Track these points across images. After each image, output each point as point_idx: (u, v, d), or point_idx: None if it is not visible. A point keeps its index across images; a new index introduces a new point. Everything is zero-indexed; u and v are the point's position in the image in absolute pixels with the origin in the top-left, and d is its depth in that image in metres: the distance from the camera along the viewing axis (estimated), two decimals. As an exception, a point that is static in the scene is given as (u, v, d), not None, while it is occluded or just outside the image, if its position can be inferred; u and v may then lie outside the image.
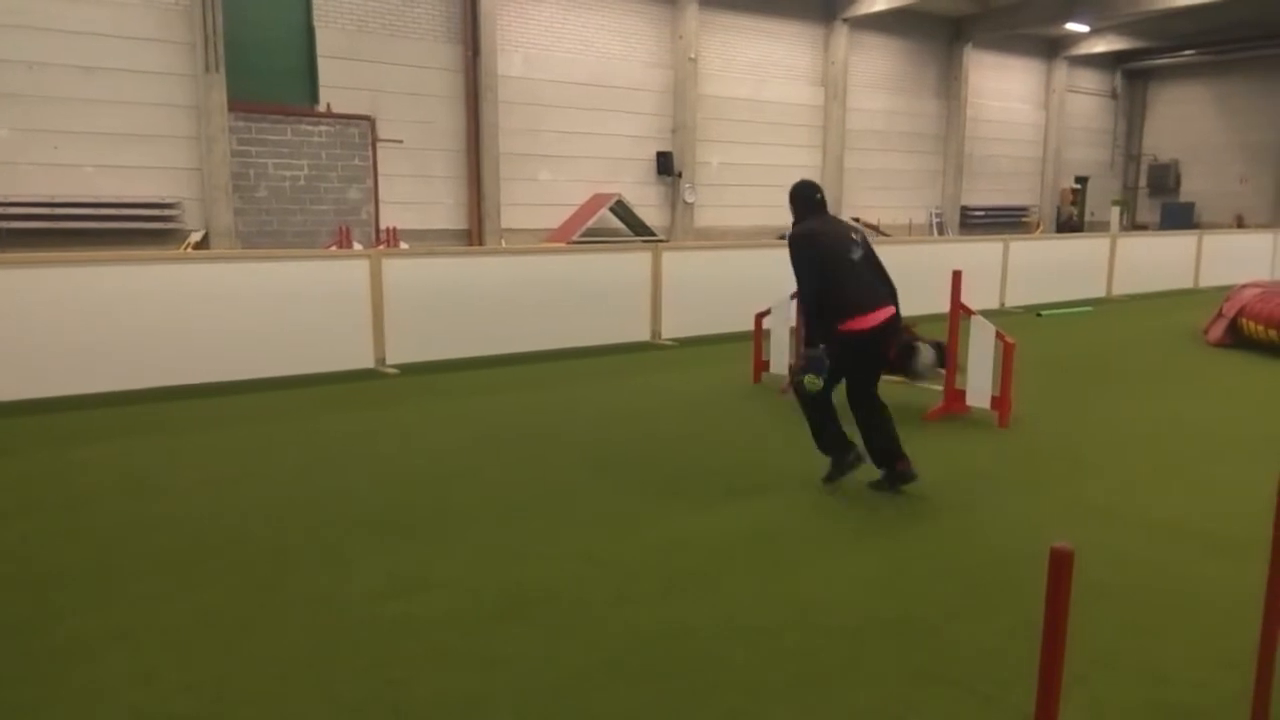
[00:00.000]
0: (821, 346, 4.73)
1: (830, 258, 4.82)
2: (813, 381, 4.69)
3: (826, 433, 5.01)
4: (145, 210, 14.81)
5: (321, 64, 16.27)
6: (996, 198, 28.14)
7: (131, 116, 14.69)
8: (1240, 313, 9.96)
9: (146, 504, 4.80)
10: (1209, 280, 15.82)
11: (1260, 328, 9.63)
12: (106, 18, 14.39)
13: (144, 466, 5.48)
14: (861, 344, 4.78)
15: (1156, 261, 15.44)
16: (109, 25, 14.41)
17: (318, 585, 3.83)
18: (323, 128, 16.21)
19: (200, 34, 14.72)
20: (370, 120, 16.80)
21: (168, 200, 15.02)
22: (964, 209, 26.90)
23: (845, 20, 22.98)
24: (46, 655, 3.25)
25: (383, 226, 16.59)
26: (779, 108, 22.71)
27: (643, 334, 9.98)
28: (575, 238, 17.40)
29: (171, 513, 4.67)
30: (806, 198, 5.06)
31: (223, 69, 14.90)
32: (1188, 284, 15.84)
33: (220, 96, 14.94)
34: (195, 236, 15.07)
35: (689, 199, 21.12)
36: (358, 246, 14.62)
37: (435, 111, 17.85)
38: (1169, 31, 26.53)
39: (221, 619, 3.52)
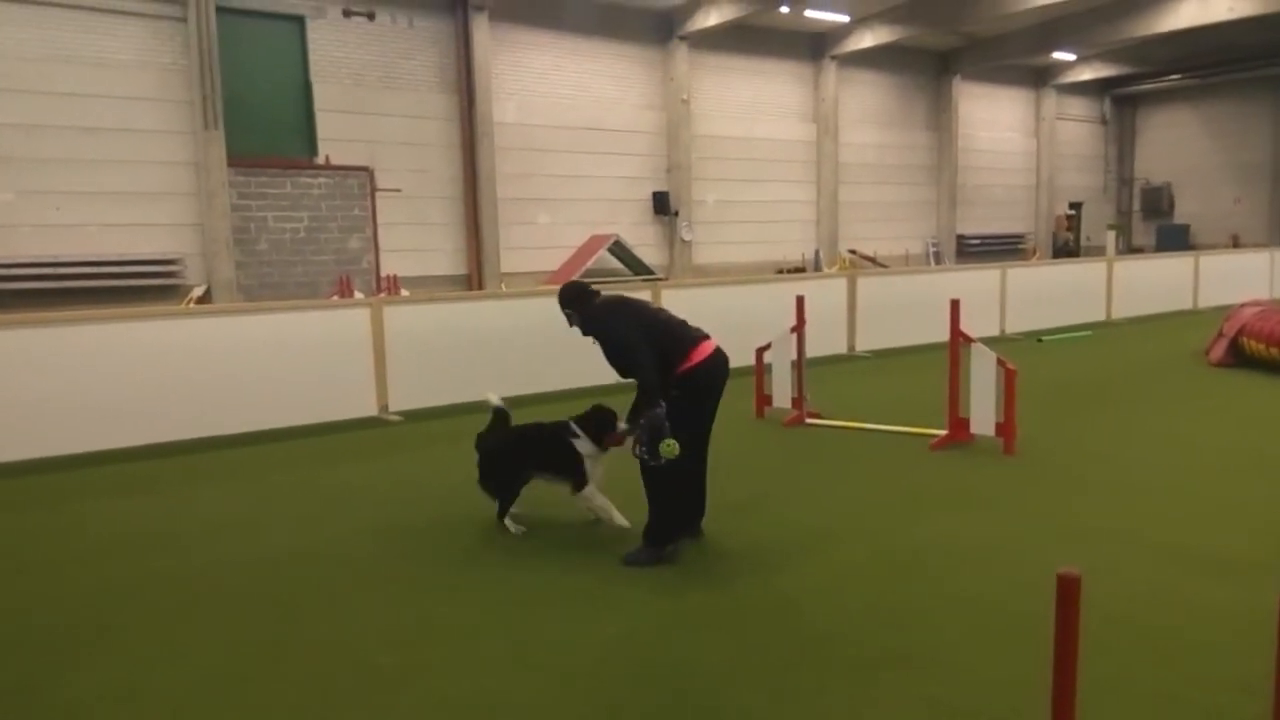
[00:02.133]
0: (661, 407, 4.33)
1: (644, 311, 4.79)
2: (669, 447, 4.26)
3: (678, 512, 4.60)
4: (148, 267, 14.94)
5: (320, 117, 16.50)
6: (992, 226, 28.30)
7: (133, 175, 14.87)
8: (1241, 332, 9.97)
9: (148, 560, 4.77)
10: (1207, 300, 15.85)
11: (1261, 346, 9.63)
12: (106, 79, 14.62)
13: (146, 522, 5.47)
14: (710, 371, 4.55)
15: (1154, 284, 15.50)
16: (108, 87, 14.63)
17: (319, 637, 3.80)
18: (322, 179, 16.39)
19: (199, 92, 14.94)
20: (369, 171, 16.99)
21: (170, 256, 15.15)
22: (960, 238, 27.05)
23: (834, 58, 23.30)
24: (45, 718, 3.22)
25: (383, 274, 16.70)
26: (772, 145, 22.95)
27: (644, 373, 9.99)
28: (575, 279, 17.47)
29: (172, 568, 4.65)
30: (583, 290, 4.86)
31: (222, 125, 15.10)
32: (1186, 305, 15.88)
33: (220, 152, 15.14)
34: (198, 291, 15.17)
35: (686, 237, 21.27)
36: (359, 295, 14.70)
37: (432, 160, 18.05)
38: (1153, 57, 26.86)
39: (222, 674, 3.50)
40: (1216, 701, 3.10)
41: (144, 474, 6.63)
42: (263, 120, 15.96)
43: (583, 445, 4.96)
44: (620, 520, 4.90)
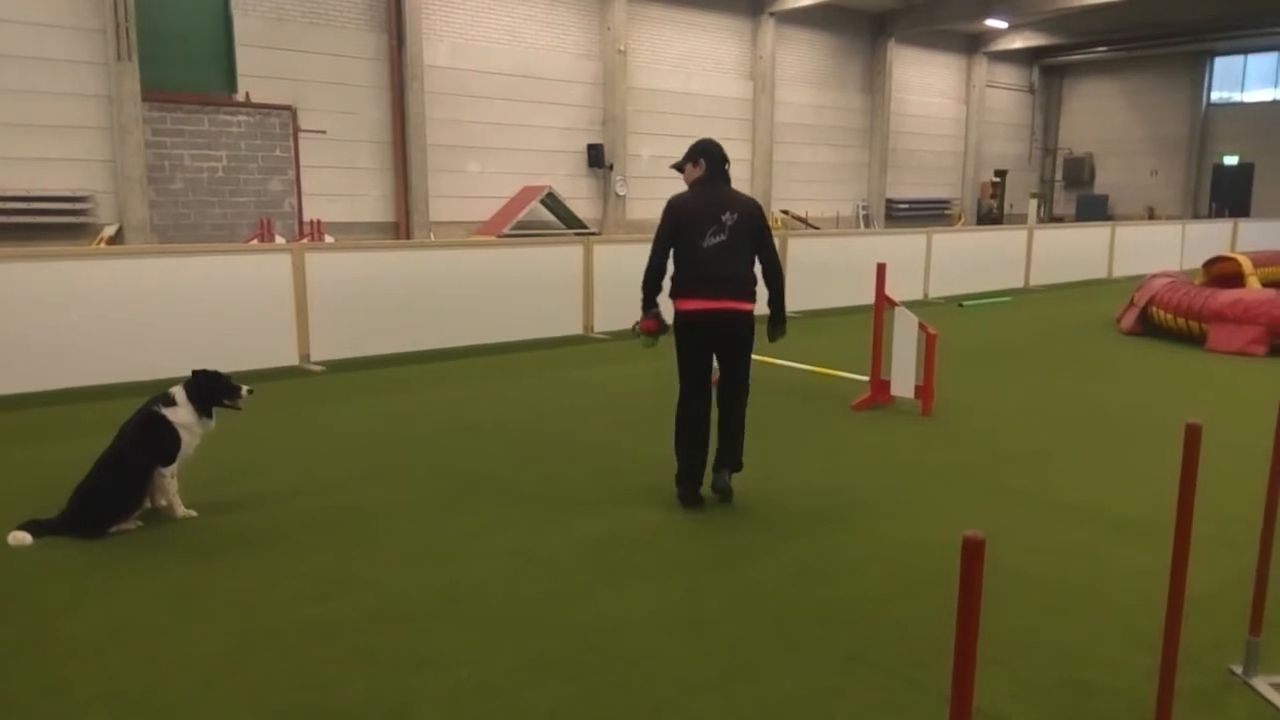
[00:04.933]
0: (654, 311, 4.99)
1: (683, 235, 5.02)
2: (645, 339, 4.98)
3: (676, 429, 4.89)
4: (55, 204, 14.26)
5: (240, 52, 15.81)
6: (920, 190, 28.75)
7: (40, 106, 14.10)
8: (1151, 302, 10.36)
9: (53, 512, 4.61)
10: (1122, 270, 16.41)
11: (1169, 316, 10.03)
12: (11, 3, 13.77)
13: (51, 474, 5.27)
14: (690, 327, 4.86)
15: (1072, 252, 15.97)
16: (13, 11, 13.80)
17: (241, 589, 3.74)
18: (241, 118, 15.76)
19: (111, 20, 14.19)
20: (291, 110, 16.40)
21: (79, 193, 14.47)
22: (889, 202, 27.43)
23: (772, 14, 23.20)
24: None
25: (307, 219, 16.22)
26: (708, 100, 22.83)
27: (575, 327, 9.96)
28: (506, 230, 17.26)
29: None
30: (710, 154, 5.31)
31: (136, 57, 14.39)
32: (1102, 274, 16.41)
33: (133, 85, 14.43)
34: (109, 231, 14.54)
35: (620, 191, 21.12)
36: (280, 240, 14.28)
37: (359, 102, 17.51)
38: (1083, 28, 27.42)
39: (141, 626, 3.42)
40: (1112, 655, 3.26)
41: (50, 421, 6.38)
42: (180, 53, 15.22)
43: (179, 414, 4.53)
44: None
